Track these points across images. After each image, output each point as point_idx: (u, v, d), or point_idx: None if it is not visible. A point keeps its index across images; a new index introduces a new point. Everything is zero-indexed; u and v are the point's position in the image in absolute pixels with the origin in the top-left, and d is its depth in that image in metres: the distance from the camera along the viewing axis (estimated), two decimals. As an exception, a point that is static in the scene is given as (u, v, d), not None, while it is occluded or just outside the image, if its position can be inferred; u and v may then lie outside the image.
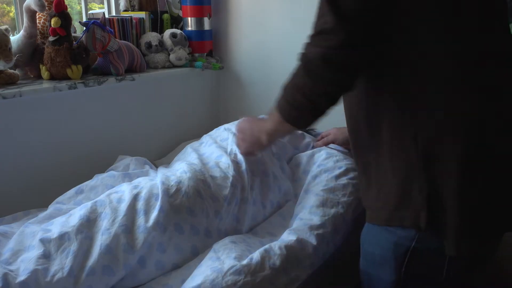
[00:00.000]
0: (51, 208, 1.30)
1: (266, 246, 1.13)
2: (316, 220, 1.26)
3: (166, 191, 1.19)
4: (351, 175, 1.42)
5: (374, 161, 0.96)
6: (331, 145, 1.61)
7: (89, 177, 1.46)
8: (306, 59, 0.91)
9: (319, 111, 0.95)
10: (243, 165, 1.37)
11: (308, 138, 1.67)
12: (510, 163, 0.90)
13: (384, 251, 0.97)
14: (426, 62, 0.86)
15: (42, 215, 1.25)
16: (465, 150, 0.86)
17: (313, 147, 1.63)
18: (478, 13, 0.88)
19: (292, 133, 1.22)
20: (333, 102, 0.93)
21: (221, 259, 1.08)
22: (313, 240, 1.19)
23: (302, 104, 0.94)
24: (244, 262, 1.06)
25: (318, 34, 0.87)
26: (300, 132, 1.66)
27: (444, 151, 0.87)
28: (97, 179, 1.40)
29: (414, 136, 0.88)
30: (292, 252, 1.13)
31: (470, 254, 0.91)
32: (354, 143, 1.03)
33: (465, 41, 0.86)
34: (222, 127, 1.63)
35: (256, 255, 1.08)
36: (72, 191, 1.37)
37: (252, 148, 1.31)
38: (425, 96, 0.87)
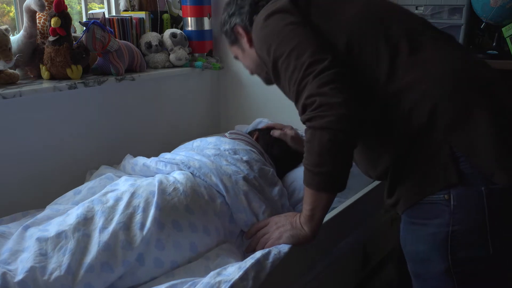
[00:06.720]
0: (49, 209, 1.30)
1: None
2: None
3: (164, 190, 1.20)
4: None
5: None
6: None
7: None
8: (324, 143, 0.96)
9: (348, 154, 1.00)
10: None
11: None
12: None
13: (425, 244, 0.98)
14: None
15: (40, 216, 1.24)
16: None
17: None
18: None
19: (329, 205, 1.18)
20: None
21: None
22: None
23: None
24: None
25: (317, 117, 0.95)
26: None
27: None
28: (95, 180, 1.39)
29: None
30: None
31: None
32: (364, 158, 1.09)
33: None
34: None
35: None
36: (70, 193, 1.37)
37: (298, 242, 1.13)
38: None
